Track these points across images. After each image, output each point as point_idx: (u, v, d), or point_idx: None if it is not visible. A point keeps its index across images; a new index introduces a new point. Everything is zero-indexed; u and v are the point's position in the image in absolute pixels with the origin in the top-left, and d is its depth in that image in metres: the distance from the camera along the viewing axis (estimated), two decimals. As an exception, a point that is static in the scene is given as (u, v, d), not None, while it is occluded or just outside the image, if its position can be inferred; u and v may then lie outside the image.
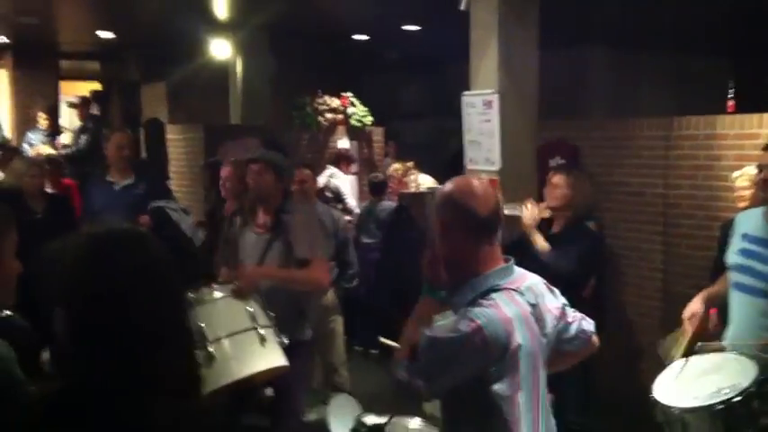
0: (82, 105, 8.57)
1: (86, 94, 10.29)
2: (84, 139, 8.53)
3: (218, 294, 3.35)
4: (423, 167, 9.71)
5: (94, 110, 9.84)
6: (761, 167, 3.24)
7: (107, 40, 10.86)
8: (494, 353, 2.11)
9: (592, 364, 5.19)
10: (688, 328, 3.37)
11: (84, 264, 1.41)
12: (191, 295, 3.23)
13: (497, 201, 2.26)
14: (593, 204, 5.14)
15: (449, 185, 2.28)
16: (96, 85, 12.62)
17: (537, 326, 2.22)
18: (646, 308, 5.80)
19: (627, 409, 4.89)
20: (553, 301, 2.34)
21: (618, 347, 5.91)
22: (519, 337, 2.14)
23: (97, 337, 1.38)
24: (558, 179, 4.40)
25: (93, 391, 1.36)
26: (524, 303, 2.19)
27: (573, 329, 2.39)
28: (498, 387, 2.14)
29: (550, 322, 2.30)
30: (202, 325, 3.16)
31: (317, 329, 5.14)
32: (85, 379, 1.37)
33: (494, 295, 2.15)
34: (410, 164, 8.98)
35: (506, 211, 4.31)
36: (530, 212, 4.26)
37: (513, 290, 2.19)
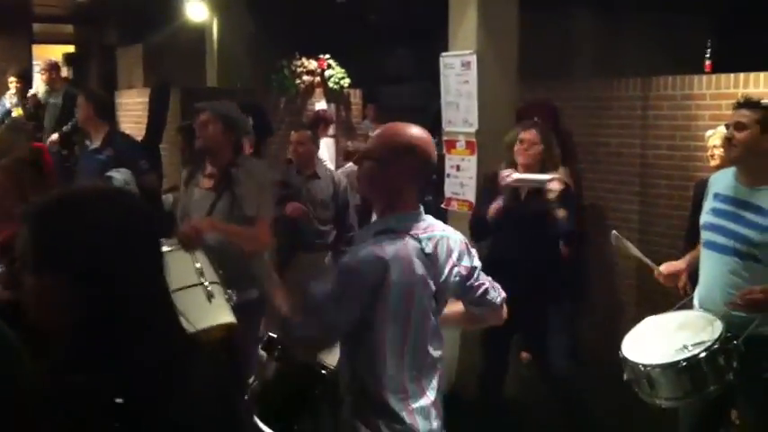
0: (49, 70, 8.40)
1: (56, 58, 10.07)
2: (52, 104, 8.37)
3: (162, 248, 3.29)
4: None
5: (67, 73, 9.68)
6: (728, 126, 3.24)
7: (81, 3, 10.69)
8: (367, 286, 2.26)
9: (578, 313, 5.28)
10: (658, 268, 3.47)
11: (53, 223, 1.38)
12: None
13: (433, 153, 2.42)
14: (559, 158, 5.11)
15: (409, 130, 2.40)
16: (70, 49, 12.42)
17: (426, 271, 2.32)
18: (623, 267, 5.84)
19: (605, 368, 4.93)
20: (465, 261, 2.46)
21: (596, 307, 5.97)
22: (393, 276, 2.26)
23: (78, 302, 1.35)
24: (530, 135, 4.29)
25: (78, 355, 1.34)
26: (413, 248, 2.31)
27: (478, 293, 2.52)
28: (367, 318, 2.29)
29: (450, 275, 2.41)
30: None
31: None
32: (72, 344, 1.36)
33: (383, 238, 2.31)
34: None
35: (525, 177, 4.27)
36: (556, 185, 4.10)
37: (410, 234, 2.32)
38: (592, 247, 5.99)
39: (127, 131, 7.62)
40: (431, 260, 2.34)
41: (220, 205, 3.73)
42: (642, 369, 3.01)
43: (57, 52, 12.69)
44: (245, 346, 3.66)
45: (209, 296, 3.21)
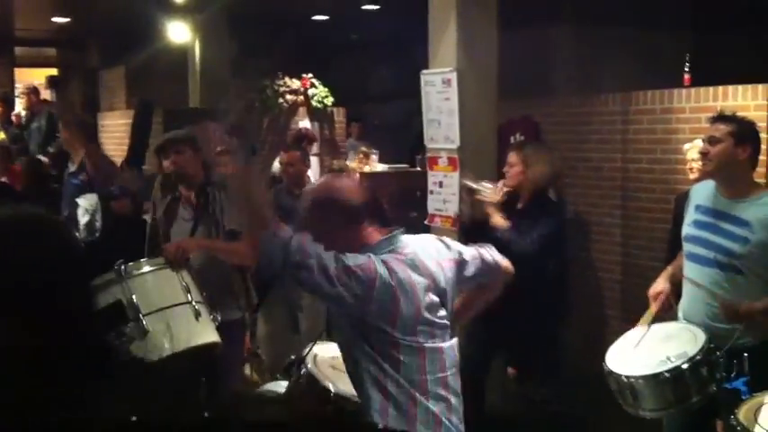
0: (28, 94, 8.38)
1: (38, 82, 10.05)
2: (35, 128, 8.35)
3: (147, 268, 3.29)
4: (389, 149, 9.70)
5: (51, 96, 9.66)
6: (704, 140, 3.28)
7: (63, 26, 10.67)
8: (373, 299, 2.24)
9: (561, 336, 5.30)
10: (653, 307, 3.40)
11: None
12: (118, 269, 3.17)
13: (358, 193, 2.44)
14: (554, 175, 5.15)
15: (315, 188, 2.53)
16: (53, 72, 12.40)
17: (425, 284, 2.34)
18: (606, 281, 5.87)
19: (588, 382, 4.93)
20: (446, 254, 2.48)
21: (579, 320, 5.98)
22: (402, 303, 2.27)
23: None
24: (512, 158, 4.42)
25: None
26: (410, 271, 2.33)
27: (472, 267, 2.54)
28: (380, 346, 2.30)
29: (444, 274, 2.43)
30: (134, 297, 3.10)
31: (300, 308, 5.14)
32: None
33: (388, 258, 2.31)
34: (358, 158, 8.83)
35: (470, 183, 4.38)
36: (491, 192, 4.26)
37: (398, 254, 2.34)
38: (575, 262, 6.01)
39: (109, 153, 7.61)
40: (423, 272, 2.37)
41: (201, 228, 3.76)
42: (626, 380, 3.02)
43: (40, 75, 12.66)
44: (227, 364, 3.67)
45: (197, 315, 3.23)
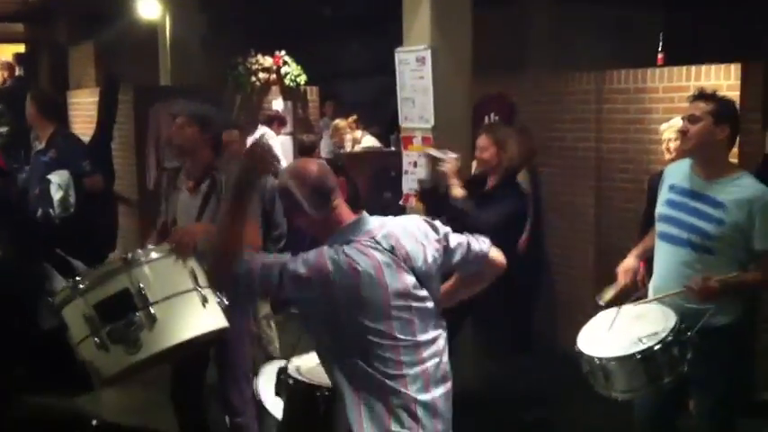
0: (3, 70, 8.22)
1: (4, 58, 9.86)
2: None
3: (154, 255, 3.24)
4: (364, 126, 9.65)
5: (18, 72, 9.48)
6: (683, 118, 3.27)
7: (32, 2, 10.45)
8: (337, 296, 2.27)
9: (526, 314, 5.31)
10: (621, 280, 3.41)
11: None
12: (126, 257, 3.13)
13: (327, 173, 2.45)
14: (525, 158, 5.14)
15: (286, 173, 2.50)
16: (20, 48, 12.15)
17: (398, 268, 2.35)
18: (579, 260, 5.88)
19: (562, 361, 4.95)
20: (431, 235, 2.49)
21: (553, 299, 6.00)
22: (364, 288, 2.28)
23: None
24: (481, 140, 4.40)
25: None
26: (378, 253, 2.33)
27: (458, 254, 2.53)
28: (348, 333, 2.31)
29: (427, 257, 2.42)
30: (142, 286, 3.06)
31: None
32: None
33: (346, 248, 2.32)
34: (352, 119, 8.94)
35: (432, 152, 4.36)
36: (451, 162, 4.26)
37: (368, 240, 2.35)
38: (548, 242, 6.02)
39: (79, 131, 7.47)
40: (397, 254, 2.36)
41: (208, 210, 3.68)
42: (597, 362, 3.02)
43: (7, 51, 12.40)
44: (234, 345, 3.66)
45: (204, 301, 3.19)
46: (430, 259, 2.43)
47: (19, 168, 7.23)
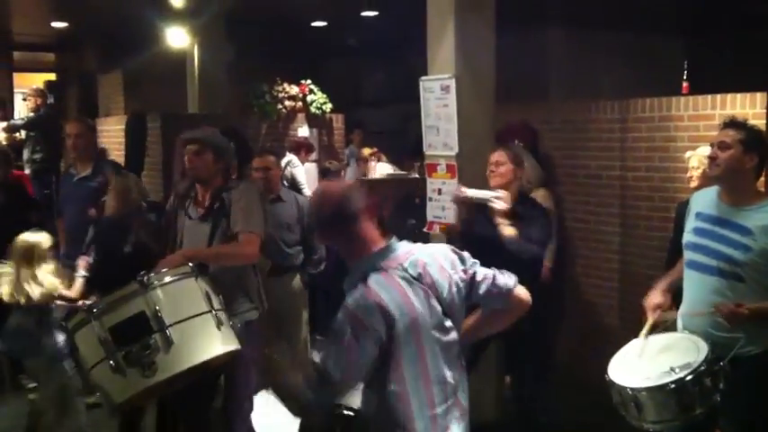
0: (36, 96, 8.38)
1: (40, 85, 10.05)
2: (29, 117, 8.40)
3: (169, 278, 3.26)
4: (386, 155, 9.72)
5: (50, 100, 9.64)
6: (712, 145, 3.27)
7: (61, 31, 10.65)
8: (372, 330, 2.26)
9: (549, 343, 5.28)
10: (650, 318, 3.38)
11: None
12: (141, 280, 3.16)
13: (353, 197, 2.43)
14: (540, 178, 5.16)
15: (311, 205, 2.56)
16: (50, 77, 12.38)
17: (424, 295, 2.35)
18: (604, 289, 5.85)
19: (585, 390, 4.92)
20: (459, 265, 2.47)
21: (577, 328, 5.97)
22: (397, 316, 2.28)
23: None
24: (498, 156, 4.37)
25: None
26: (402, 280, 2.33)
27: (485, 286, 2.48)
28: (383, 363, 2.30)
29: (452, 287, 2.41)
30: (158, 308, 3.09)
31: (281, 315, 5.13)
32: None
33: (370, 278, 2.32)
34: (372, 150, 9.08)
35: (472, 194, 4.34)
36: (500, 203, 4.17)
37: (393, 268, 2.34)
38: (572, 270, 6.00)
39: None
40: (424, 282, 2.35)
41: (218, 234, 3.73)
42: (630, 392, 2.99)
43: (38, 80, 12.64)
44: (245, 363, 3.68)
45: (219, 323, 3.22)
46: (455, 289, 2.42)
47: (50, 195, 7.34)
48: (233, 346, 3.30)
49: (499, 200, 4.16)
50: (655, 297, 3.42)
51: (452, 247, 2.56)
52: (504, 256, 3.99)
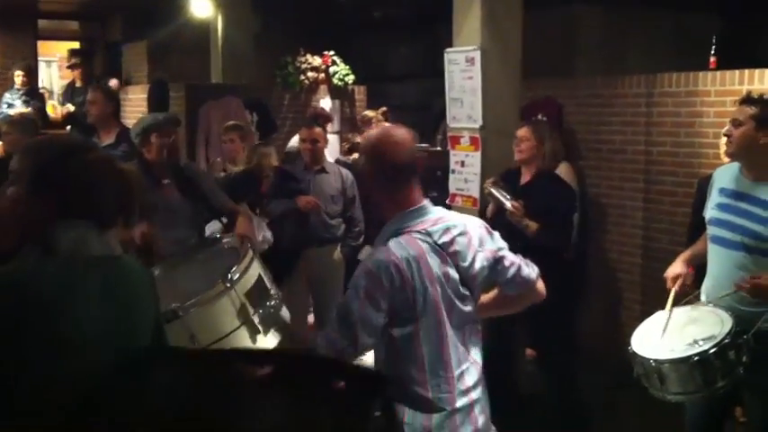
0: (82, 65, 8.41)
1: (60, 55, 10.06)
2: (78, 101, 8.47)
3: (194, 300, 3.04)
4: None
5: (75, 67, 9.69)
6: (729, 122, 3.26)
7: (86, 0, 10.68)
8: (386, 290, 2.28)
9: (574, 318, 5.30)
10: (670, 287, 3.39)
11: None
12: (174, 308, 2.95)
13: (411, 148, 2.43)
14: (561, 154, 5.17)
15: (370, 136, 2.50)
16: (75, 45, 12.42)
17: (444, 262, 2.34)
18: (627, 264, 5.84)
19: (609, 364, 4.94)
20: (488, 245, 2.47)
21: (600, 303, 5.97)
22: (410, 276, 2.29)
23: None
24: (523, 132, 4.47)
25: None
26: (425, 244, 2.33)
27: (510, 273, 2.51)
28: (398, 326, 2.32)
29: (475, 261, 2.41)
30: (194, 332, 2.95)
31: (319, 285, 5.18)
32: None
33: (393, 240, 2.33)
34: (381, 110, 8.86)
35: (495, 192, 4.37)
36: (515, 209, 4.26)
37: (418, 231, 2.34)
38: (595, 245, 6.00)
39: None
40: (447, 250, 2.36)
41: (187, 208, 4.02)
42: (653, 364, 3.00)
43: (62, 48, 12.70)
44: None
45: (254, 333, 3.04)
46: (477, 264, 2.42)
47: None
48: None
49: (514, 207, 4.25)
50: (676, 267, 3.43)
51: (485, 223, 2.56)
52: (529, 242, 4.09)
